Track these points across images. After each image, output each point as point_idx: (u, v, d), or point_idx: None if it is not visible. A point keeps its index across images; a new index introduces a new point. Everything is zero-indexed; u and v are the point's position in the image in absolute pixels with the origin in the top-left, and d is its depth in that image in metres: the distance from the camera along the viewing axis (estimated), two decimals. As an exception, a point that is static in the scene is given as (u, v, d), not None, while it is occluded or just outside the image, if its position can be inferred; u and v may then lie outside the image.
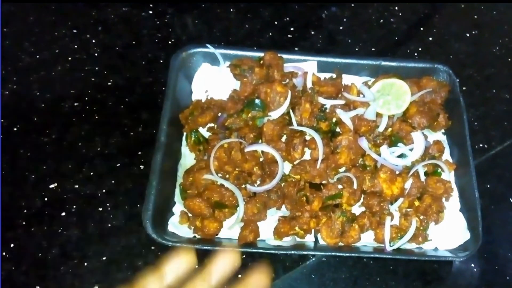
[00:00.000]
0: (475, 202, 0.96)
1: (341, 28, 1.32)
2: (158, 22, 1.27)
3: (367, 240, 0.98)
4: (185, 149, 1.05)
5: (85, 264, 0.94)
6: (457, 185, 1.04)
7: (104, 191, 1.02)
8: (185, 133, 1.05)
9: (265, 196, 0.96)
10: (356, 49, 1.29)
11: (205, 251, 0.96)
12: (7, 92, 1.13)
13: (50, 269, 0.93)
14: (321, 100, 1.06)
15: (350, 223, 0.95)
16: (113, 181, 1.03)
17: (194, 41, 1.16)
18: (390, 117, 1.06)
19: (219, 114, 1.06)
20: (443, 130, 1.11)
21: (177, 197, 1.00)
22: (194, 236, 0.96)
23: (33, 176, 1.03)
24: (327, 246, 0.95)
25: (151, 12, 1.29)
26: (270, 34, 1.29)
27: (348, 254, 0.95)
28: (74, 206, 1.00)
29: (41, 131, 1.08)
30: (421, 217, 0.98)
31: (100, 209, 1.00)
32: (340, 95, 1.09)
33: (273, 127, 1.01)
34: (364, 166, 1.02)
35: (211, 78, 1.11)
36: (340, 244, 0.96)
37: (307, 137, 1.02)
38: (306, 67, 1.11)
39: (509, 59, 1.31)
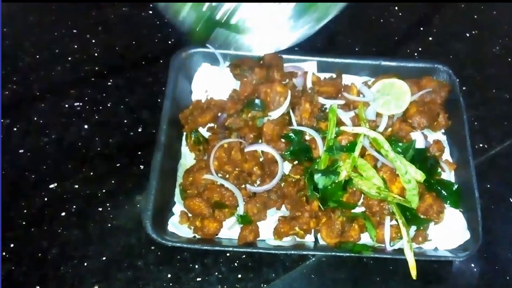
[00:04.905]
0: (475, 202, 0.96)
1: (341, 28, 1.32)
2: (158, 22, 1.27)
3: (367, 240, 0.98)
4: (185, 149, 1.05)
5: (85, 264, 0.94)
6: (457, 185, 1.04)
7: (104, 191, 1.02)
8: (185, 133, 1.06)
9: (265, 196, 0.96)
10: (356, 49, 1.29)
11: (205, 251, 0.96)
12: (7, 92, 1.13)
13: (50, 269, 0.93)
14: (321, 100, 1.06)
15: (350, 223, 0.95)
16: (113, 181, 1.03)
17: (194, 41, 1.16)
18: (390, 117, 1.06)
19: (219, 114, 1.06)
20: (443, 130, 1.11)
21: (177, 197, 1.00)
22: (194, 236, 0.96)
23: (33, 176, 1.03)
24: (327, 246, 0.95)
25: (151, 12, 1.29)
26: (270, 34, 1.28)
27: (348, 254, 0.95)
28: (74, 206, 1.00)
29: (41, 131, 1.08)
30: (422, 217, 0.98)
31: (100, 209, 1.00)
32: (340, 95, 1.09)
33: (273, 127, 1.01)
34: (364, 166, 1.02)
35: (211, 78, 1.11)
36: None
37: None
38: (306, 67, 1.11)
39: (509, 59, 1.31)
